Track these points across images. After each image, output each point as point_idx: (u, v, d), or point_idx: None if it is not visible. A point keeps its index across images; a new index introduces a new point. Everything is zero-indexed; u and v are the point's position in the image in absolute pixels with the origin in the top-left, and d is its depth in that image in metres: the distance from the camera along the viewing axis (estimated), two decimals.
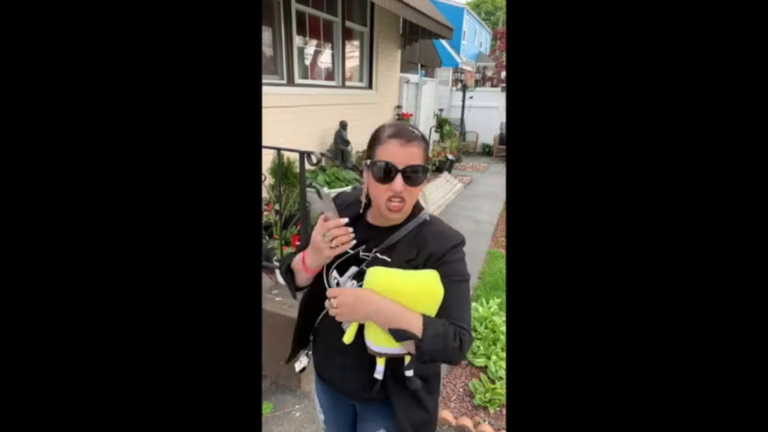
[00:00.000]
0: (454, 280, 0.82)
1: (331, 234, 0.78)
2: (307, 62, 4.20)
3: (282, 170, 3.03)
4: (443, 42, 10.11)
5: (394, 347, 0.78)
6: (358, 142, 4.58)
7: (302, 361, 1.00)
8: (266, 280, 2.31)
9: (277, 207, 2.53)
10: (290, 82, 3.79)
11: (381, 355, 0.81)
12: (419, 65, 8.15)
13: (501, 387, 2.03)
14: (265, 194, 2.74)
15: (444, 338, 0.76)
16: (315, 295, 0.90)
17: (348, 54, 4.78)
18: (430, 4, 6.09)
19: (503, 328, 2.37)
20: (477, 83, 13.95)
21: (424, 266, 0.82)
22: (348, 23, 4.63)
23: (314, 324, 0.94)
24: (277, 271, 2.23)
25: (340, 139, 4.29)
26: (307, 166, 1.99)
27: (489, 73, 15.72)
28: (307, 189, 0.78)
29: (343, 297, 0.76)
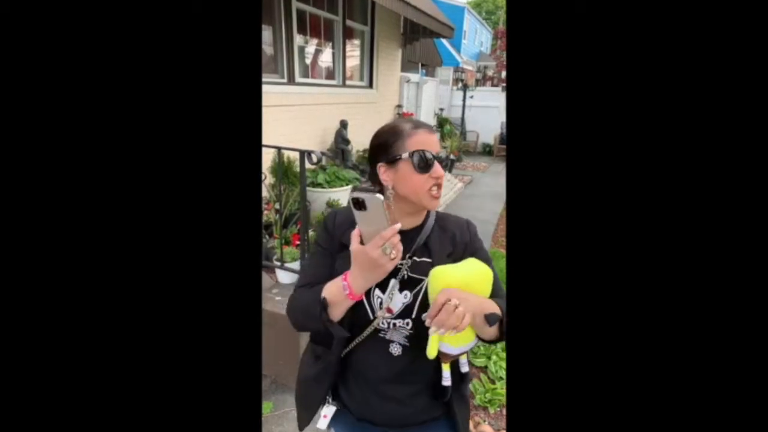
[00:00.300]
0: (488, 261, 0.85)
1: (392, 245, 0.69)
2: (308, 61, 4.19)
3: (282, 169, 3.03)
4: (444, 41, 10.12)
5: (469, 342, 0.78)
6: (359, 142, 4.57)
7: (328, 412, 0.89)
8: (266, 279, 2.31)
9: (277, 206, 2.53)
10: (291, 80, 3.79)
11: (455, 357, 0.80)
12: (420, 64, 8.15)
13: (501, 387, 2.02)
14: (265, 193, 2.74)
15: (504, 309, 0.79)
16: (351, 324, 0.80)
17: (348, 53, 4.78)
18: (431, 3, 6.09)
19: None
20: (478, 83, 13.96)
21: (463, 255, 0.83)
22: (348, 22, 4.63)
23: (344, 362, 0.85)
24: (278, 272, 2.23)
25: (341, 138, 4.29)
26: (308, 165, 1.99)
27: (490, 73, 15.73)
28: (358, 196, 0.73)
29: (466, 302, 0.68)
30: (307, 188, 2.45)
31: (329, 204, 3.46)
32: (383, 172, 0.80)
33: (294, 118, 3.76)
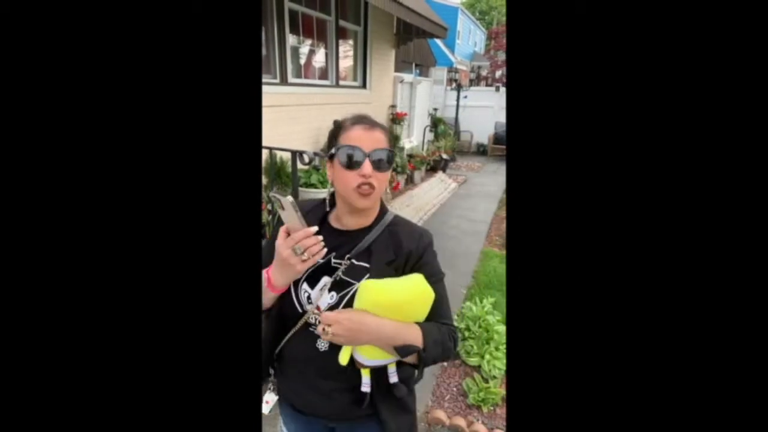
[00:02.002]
0: (436, 280, 0.81)
1: (303, 246, 0.70)
2: (301, 61, 4.18)
3: (274, 170, 3.01)
4: (438, 41, 10.14)
5: (386, 358, 0.75)
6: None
7: (270, 399, 0.90)
8: None
9: (269, 207, 2.52)
10: (283, 81, 3.77)
11: (371, 367, 0.77)
12: (414, 64, 8.16)
13: (494, 386, 2.03)
14: None
15: (442, 342, 0.77)
16: (282, 315, 0.82)
17: (342, 53, 4.77)
18: (425, 4, 6.09)
19: (497, 328, 2.38)
20: (471, 83, 13.99)
21: (405, 266, 0.80)
22: (341, 22, 4.62)
23: (280, 350, 0.85)
24: None
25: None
26: (300, 166, 1.98)
27: (483, 73, 15.78)
28: (274, 197, 0.72)
29: (339, 326, 0.69)
30: (301, 188, 2.44)
31: None
32: (328, 167, 0.81)
33: (287, 118, 3.74)
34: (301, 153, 1.92)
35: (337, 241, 0.82)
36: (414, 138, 7.35)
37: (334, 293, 0.79)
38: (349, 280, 0.79)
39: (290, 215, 0.70)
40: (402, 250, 0.80)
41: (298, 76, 4.12)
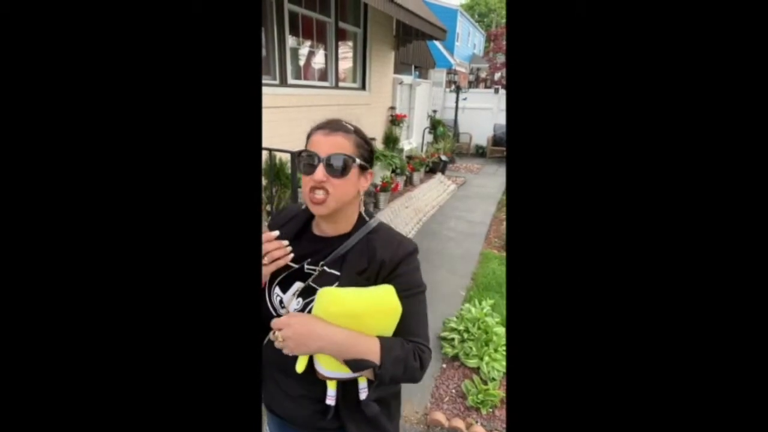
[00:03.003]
0: (411, 293, 0.76)
1: (263, 249, 0.72)
2: (300, 63, 4.19)
3: (274, 171, 3.01)
4: (437, 43, 10.16)
5: (343, 372, 0.70)
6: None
7: None
8: None
9: (268, 208, 2.52)
10: (283, 82, 3.77)
11: (331, 378, 0.73)
12: (413, 66, 8.17)
13: (493, 388, 2.03)
14: None
15: (404, 361, 0.71)
16: (262, 318, 0.80)
17: (341, 55, 4.78)
18: (424, 6, 6.10)
19: (496, 329, 2.38)
20: (471, 85, 14.01)
21: (377, 276, 0.76)
22: (341, 24, 4.63)
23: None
24: None
25: None
26: None
27: (483, 75, 15.81)
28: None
29: (289, 330, 0.66)
30: (299, 190, 2.44)
31: None
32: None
33: (286, 119, 3.74)
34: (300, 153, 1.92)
35: (315, 247, 0.81)
36: (413, 140, 7.35)
37: (300, 299, 0.77)
38: (317, 287, 0.76)
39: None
40: (375, 258, 0.76)
41: (298, 77, 4.12)
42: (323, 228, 0.83)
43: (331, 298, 0.69)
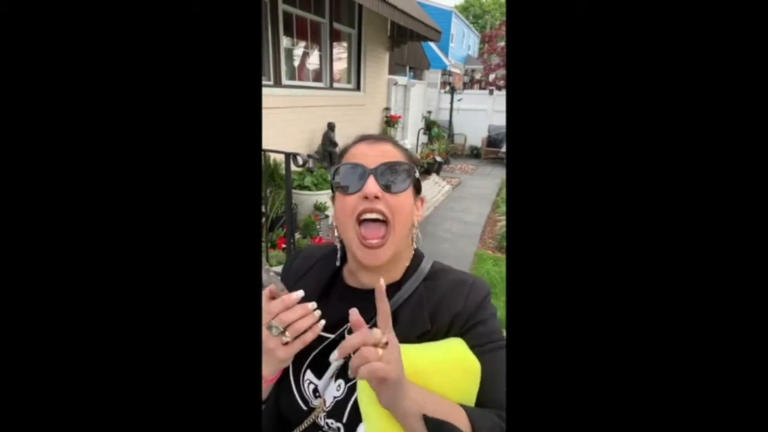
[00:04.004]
0: (492, 347, 0.55)
1: (281, 322, 0.48)
2: (295, 63, 4.18)
3: (268, 172, 3.01)
4: (432, 44, 10.19)
5: None
6: (347, 144, 4.56)
7: None
8: None
9: (263, 209, 2.51)
10: (277, 83, 3.77)
11: None
12: (407, 67, 8.18)
13: None
14: None
15: (486, 428, 0.51)
16: (284, 412, 0.60)
17: (336, 55, 4.78)
18: (418, 7, 6.12)
19: None
20: (465, 86, 14.06)
21: (446, 336, 0.56)
22: (336, 25, 4.63)
23: None
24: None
25: (328, 141, 4.28)
26: (294, 168, 1.98)
27: (477, 76, 15.88)
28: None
29: (390, 353, 0.45)
30: (294, 191, 2.44)
31: (316, 207, 3.45)
32: (332, 202, 0.62)
33: (281, 120, 3.74)
34: (294, 155, 1.92)
35: (353, 305, 0.54)
36: (408, 141, 7.36)
37: (341, 382, 0.55)
38: None
39: (267, 278, 0.51)
40: (442, 312, 0.56)
41: (292, 78, 4.11)
42: (363, 279, 0.60)
43: None
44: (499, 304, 2.86)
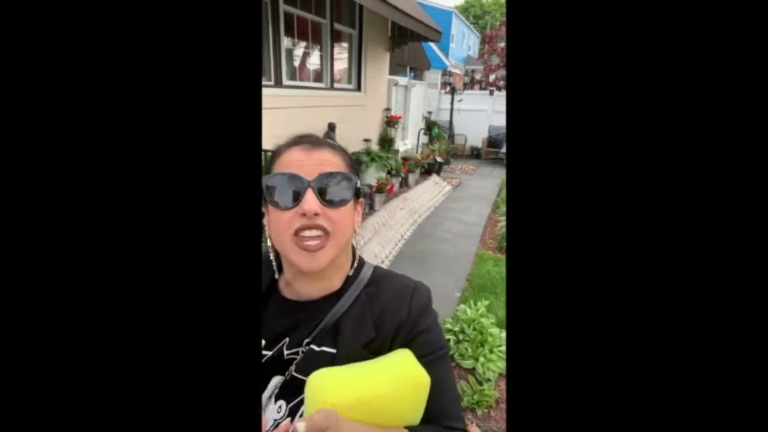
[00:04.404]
0: (437, 357, 0.55)
1: None
2: (296, 64, 4.18)
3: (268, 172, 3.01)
4: (432, 45, 10.18)
5: None
6: (347, 145, 4.55)
7: None
8: None
9: (263, 209, 2.52)
10: (278, 83, 3.77)
11: None
12: (408, 68, 8.18)
13: (489, 389, 2.03)
14: None
15: None
16: None
17: (336, 56, 4.78)
18: (419, 8, 6.12)
19: (491, 330, 2.38)
20: (466, 86, 14.06)
21: (393, 343, 0.54)
22: (336, 25, 4.63)
23: None
24: None
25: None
26: None
27: (477, 77, 15.87)
28: None
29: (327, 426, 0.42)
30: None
31: None
32: (265, 212, 0.56)
33: (281, 120, 3.74)
34: None
35: (291, 319, 0.56)
36: (408, 141, 7.36)
37: (282, 403, 0.51)
38: (304, 378, 0.49)
39: None
40: (387, 320, 0.54)
41: (293, 78, 4.12)
42: (300, 289, 0.57)
43: (327, 384, 0.46)
44: (499, 305, 2.86)
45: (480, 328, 2.40)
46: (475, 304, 2.69)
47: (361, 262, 0.61)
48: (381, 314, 0.55)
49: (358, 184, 0.55)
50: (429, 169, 6.88)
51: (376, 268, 0.61)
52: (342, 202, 0.52)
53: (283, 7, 3.66)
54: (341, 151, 0.57)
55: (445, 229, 4.53)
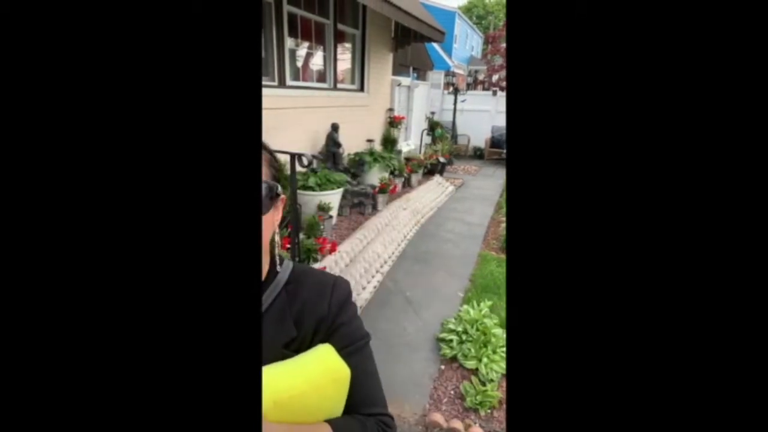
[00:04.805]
0: (356, 348, 0.57)
1: None
2: (299, 64, 4.19)
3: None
4: (435, 45, 10.18)
5: None
6: (350, 145, 4.57)
7: None
8: None
9: None
10: (281, 83, 3.78)
11: None
12: (411, 68, 8.18)
13: (492, 389, 2.03)
14: None
15: None
16: None
17: (340, 56, 4.79)
18: (422, 8, 6.12)
19: (494, 331, 2.38)
20: (468, 86, 14.03)
21: (313, 340, 0.55)
22: (340, 26, 4.64)
23: None
24: None
25: (332, 142, 4.29)
26: (298, 168, 1.98)
27: (480, 77, 15.84)
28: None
29: None
30: (299, 191, 2.44)
31: (320, 207, 3.46)
32: None
33: (285, 120, 3.75)
34: (299, 155, 1.93)
35: None
36: (411, 141, 7.36)
37: None
38: None
39: None
40: (308, 317, 0.56)
41: (296, 78, 4.12)
42: None
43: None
44: (502, 305, 2.86)
45: (483, 328, 2.40)
46: (478, 305, 2.69)
47: (281, 260, 0.60)
48: (301, 312, 0.56)
49: (277, 189, 0.55)
50: (432, 170, 6.87)
51: (296, 266, 0.61)
52: (263, 213, 0.53)
53: (286, 7, 3.67)
54: (263, 149, 0.57)
55: (448, 229, 4.53)
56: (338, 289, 0.59)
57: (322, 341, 0.55)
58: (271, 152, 0.59)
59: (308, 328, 0.55)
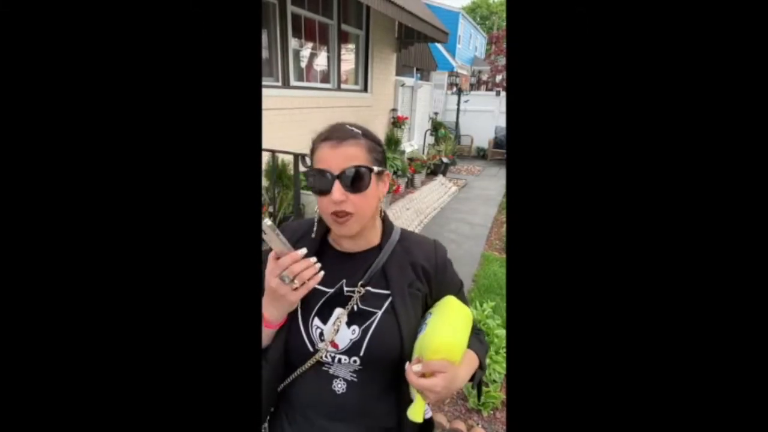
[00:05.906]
0: (460, 291, 0.82)
1: (291, 272, 0.62)
2: (303, 65, 4.20)
3: (276, 172, 3.02)
4: (439, 46, 10.16)
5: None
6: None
7: None
8: None
9: (271, 209, 2.53)
10: (285, 84, 3.79)
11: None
12: (415, 68, 8.18)
13: (494, 390, 2.03)
14: None
15: (485, 351, 0.80)
16: (289, 354, 0.71)
17: (343, 57, 4.79)
18: (426, 8, 6.12)
19: (497, 332, 2.37)
20: (472, 87, 14.01)
21: (428, 284, 0.75)
22: (343, 26, 4.64)
23: (284, 392, 0.74)
24: None
25: None
26: (302, 168, 1.99)
27: (484, 77, 15.81)
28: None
29: (435, 384, 0.61)
30: (303, 191, 2.45)
31: None
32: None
33: (288, 121, 3.75)
34: (303, 156, 1.93)
35: (344, 266, 0.74)
36: (415, 141, 7.36)
37: (355, 327, 0.69)
38: (369, 309, 0.70)
39: (273, 240, 0.63)
40: (419, 267, 0.75)
41: (300, 79, 4.13)
42: (347, 245, 0.75)
43: (451, 347, 0.66)
44: (504, 306, 2.85)
45: (486, 329, 2.39)
46: (481, 305, 2.68)
47: (390, 223, 0.79)
48: (414, 263, 0.75)
49: (376, 169, 0.69)
50: (435, 170, 6.87)
51: (402, 230, 0.80)
52: (364, 188, 0.67)
53: (290, 8, 3.68)
54: (364, 138, 0.69)
55: (451, 229, 4.52)
56: (440, 248, 0.80)
57: (435, 287, 0.76)
58: (373, 139, 0.72)
59: (421, 276, 0.75)
